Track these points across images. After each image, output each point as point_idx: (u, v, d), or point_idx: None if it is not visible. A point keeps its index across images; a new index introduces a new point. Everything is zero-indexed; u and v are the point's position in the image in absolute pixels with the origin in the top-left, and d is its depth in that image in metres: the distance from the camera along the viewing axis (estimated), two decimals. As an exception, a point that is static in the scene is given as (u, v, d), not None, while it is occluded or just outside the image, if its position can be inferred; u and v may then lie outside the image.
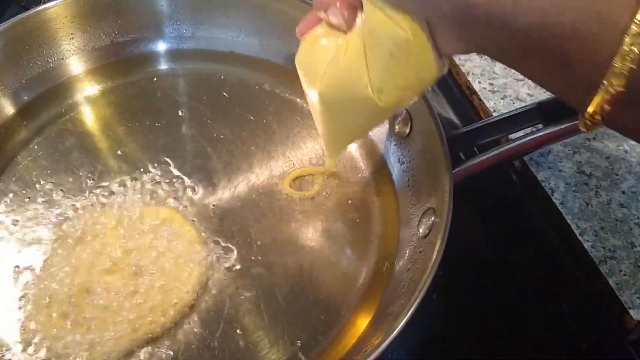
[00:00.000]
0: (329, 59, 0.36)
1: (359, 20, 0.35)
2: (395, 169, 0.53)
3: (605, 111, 0.26)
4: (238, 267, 0.46)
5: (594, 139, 0.59)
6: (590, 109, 0.26)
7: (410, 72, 0.34)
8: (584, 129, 0.28)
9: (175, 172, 0.51)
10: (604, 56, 0.25)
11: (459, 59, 0.66)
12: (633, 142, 0.58)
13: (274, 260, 0.47)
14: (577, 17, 0.25)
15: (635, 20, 0.23)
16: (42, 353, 0.40)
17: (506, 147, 0.47)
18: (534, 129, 0.47)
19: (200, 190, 0.50)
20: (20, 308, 0.42)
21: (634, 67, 0.24)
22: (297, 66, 0.40)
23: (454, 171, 0.44)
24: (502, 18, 0.27)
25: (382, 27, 0.32)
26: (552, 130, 0.45)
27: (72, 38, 0.58)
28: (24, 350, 0.40)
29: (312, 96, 0.39)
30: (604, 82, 0.25)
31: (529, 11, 0.26)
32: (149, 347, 0.41)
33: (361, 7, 0.34)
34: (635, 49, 0.24)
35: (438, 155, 0.45)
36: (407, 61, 0.33)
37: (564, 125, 0.45)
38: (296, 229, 0.49)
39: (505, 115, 0.49)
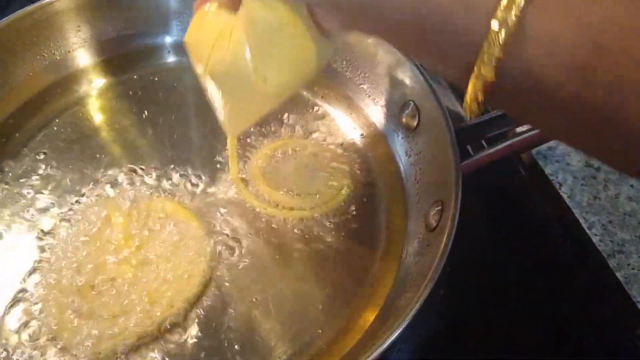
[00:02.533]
0: (215, 38, 0.35)
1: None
2: (402, 161, 0.52)
3: (481, 99, 0.25)
4: (244, 260, 0.46)
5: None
6: (466, 97, 0.25)
7: (292, 57, 0.33)
8: (465, 115, 0.27)
9: (182, 165, 0.51)
10: (475, 42, 0.23)
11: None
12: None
13: (280, 253, 0.46)
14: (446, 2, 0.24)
15: (502, 2, 0.22)
16: (47, 344, 0.40)
17: (514, 140, 0.46)
18: (543, 122, 0.46)
19: (206, 184, 0.50)
20: (26, 299, 0.42)
21: (501, 56, 0.22)
22: (185, 43, 0.39)
23: (461, 164, 0.44)
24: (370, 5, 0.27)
25: (259, 11, 0.32)
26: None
27: (79, 31, 0.58)
28: (29, 340, 0.41)
29: (201, 75, 0.38)
30: (475, 69, 0.24)
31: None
32: (156, 340, 0.41)
33: None
34: (502, 34, 0.22)
35: (446, 149, 0.45)
36: (287, 46, 0.32)
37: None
38: (303, 221, 0.49)
39: (514, 108, 0.49)
